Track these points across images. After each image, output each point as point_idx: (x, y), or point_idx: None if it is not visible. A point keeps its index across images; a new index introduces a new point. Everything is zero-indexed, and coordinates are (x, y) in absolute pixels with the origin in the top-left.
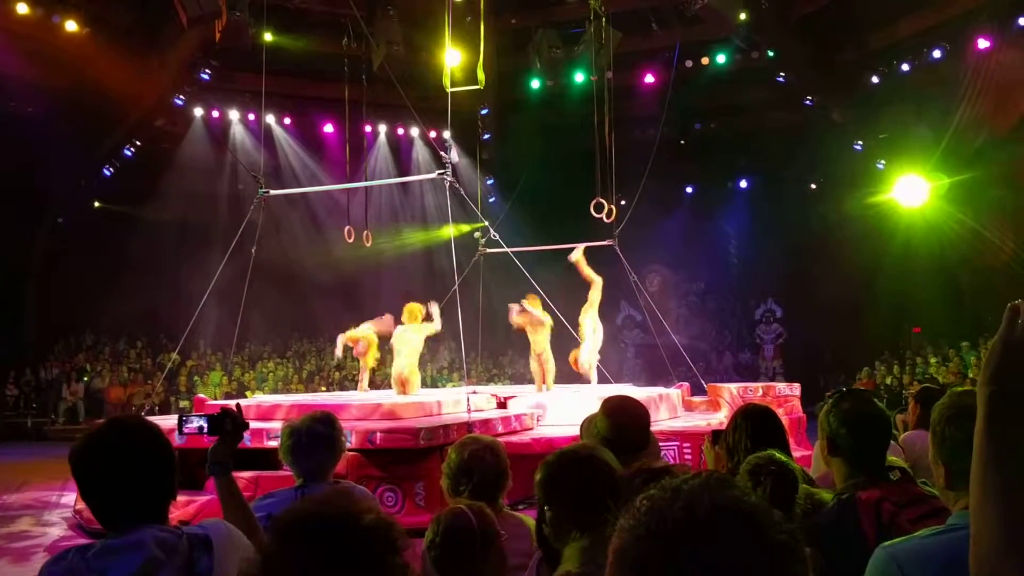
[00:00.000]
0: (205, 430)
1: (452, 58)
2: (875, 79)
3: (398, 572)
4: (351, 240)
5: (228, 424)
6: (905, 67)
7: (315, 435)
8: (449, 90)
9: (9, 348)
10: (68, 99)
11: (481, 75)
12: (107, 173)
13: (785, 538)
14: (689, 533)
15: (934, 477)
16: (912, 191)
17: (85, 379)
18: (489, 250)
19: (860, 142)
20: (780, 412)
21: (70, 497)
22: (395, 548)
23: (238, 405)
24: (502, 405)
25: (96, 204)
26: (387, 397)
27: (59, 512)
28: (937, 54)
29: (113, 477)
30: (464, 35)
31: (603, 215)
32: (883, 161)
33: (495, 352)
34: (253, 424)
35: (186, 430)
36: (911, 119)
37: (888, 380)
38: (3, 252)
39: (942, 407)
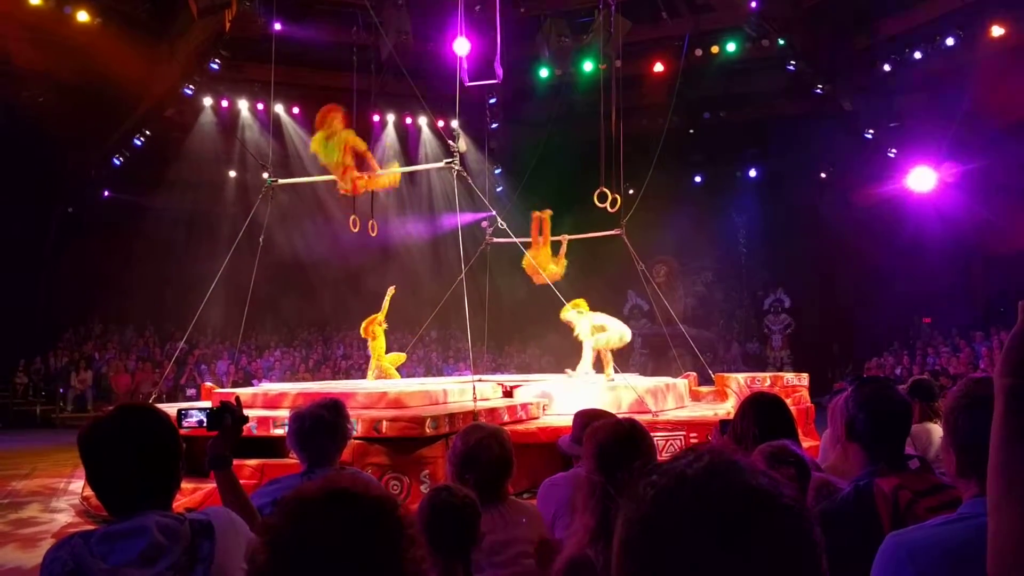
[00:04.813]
0: (204, 425)
1: (462, 47)
2: (887, 67)
3: (404, 545)
4: (356, 229)
5: (227, 419)
6: (918, 55)
7: (319, 421)
8: (466, 84)
9: (19, 336)
10: (79, 89)
11: (499, 68)
12: (117, 163)
13: (799, 522)
14: (701, 525)
15: (944, 465)
16: (923, 180)
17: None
18: (496, 240)
19: (871, 131)
20: (788, 402)
21: (78, 484)
22: (400, 523)
23: (237, 398)
24: (508, 394)
25: (106, 193)
26: (393, 385)
27: (67, 499)
28: (950, 41)
29: (119, 462)
30: (474, 24)
31: (607, 205)
32: (894, 150)
33: (501, 342)
34: (259, 412)
35: (185, 424)
36: (923, 107)
37: (897, 371)
38: (14, 241)
39: (956, 395)
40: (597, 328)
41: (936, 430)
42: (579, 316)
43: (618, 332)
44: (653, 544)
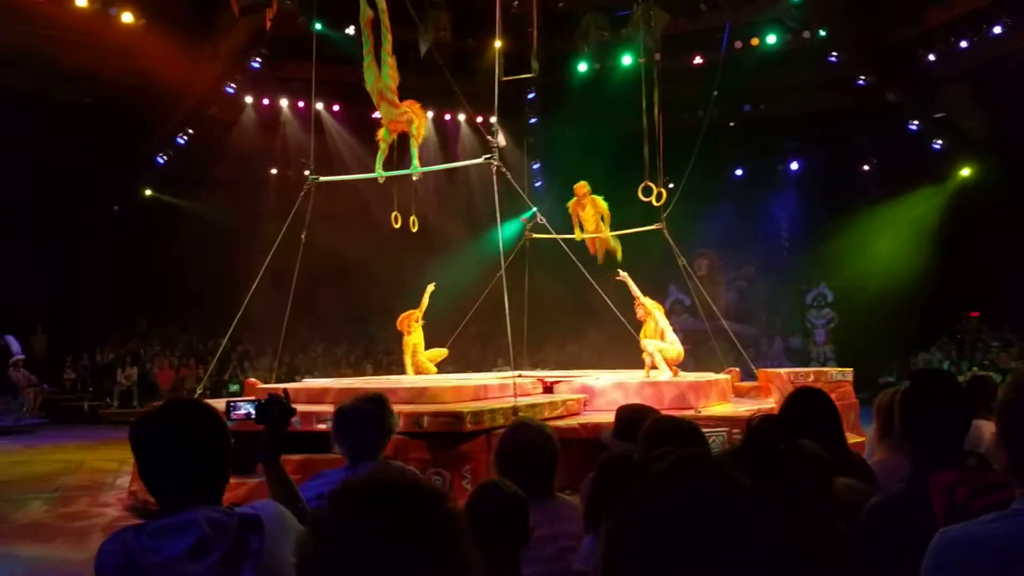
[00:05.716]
0: (252, 417)
1: (500, 42)
2: (932, 57)
3: (454, 539)
4: (398, 225)
5: (275, 411)
6: (963, 44)
7: (362, 414)
8: (501, 79)
9: (66, 333)
10: (123, 89)
11: (535, 63)
12: (160, 161)
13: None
14: (678, 530)
15: (998, 460)
16: (968, 171)
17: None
18: (536, 235)
19: (916, 122)
20: (833, 397)
21: (125, 479)
22: (450, 516)
23: (285, 391)
24: (548, 390)
25: (149, 192)
26: (433, 381)
27: (115, 493)
28: (998, 30)
29: (170, 456)
30: (512, 20)
31: (651, 198)
32: (939, 141)
33: (540, 337)
34: (303, 407)
35: (234, 416)
36: (969, 98)
37: (945, 366)
38: (59, 239)
39: (1008, 389)
40: (660, 331)
41: (986, 426)
42: (654, 311)
43: (676, 348)
44: (637, 553)
